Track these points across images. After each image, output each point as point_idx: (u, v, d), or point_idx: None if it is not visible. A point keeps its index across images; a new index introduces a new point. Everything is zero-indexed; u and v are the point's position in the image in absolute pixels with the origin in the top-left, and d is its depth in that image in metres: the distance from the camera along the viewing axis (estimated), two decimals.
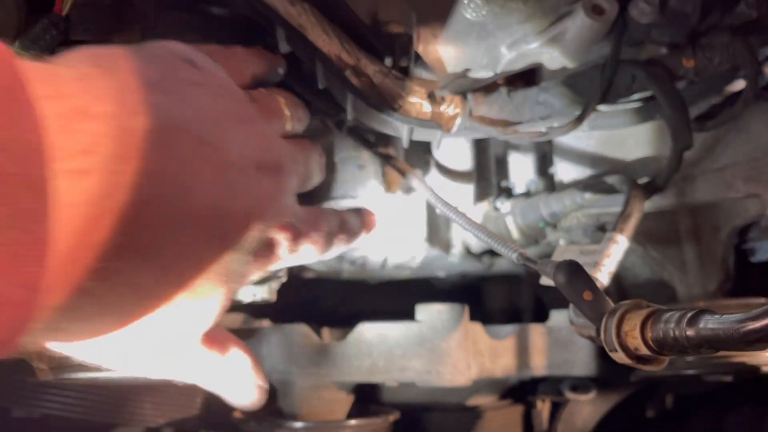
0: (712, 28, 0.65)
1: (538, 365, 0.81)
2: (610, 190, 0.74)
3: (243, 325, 0.83)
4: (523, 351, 0.81)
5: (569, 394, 0.90)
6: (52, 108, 0.24)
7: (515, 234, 0.83)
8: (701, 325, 0.39)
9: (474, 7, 0.69)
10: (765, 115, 0.69)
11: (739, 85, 0.72)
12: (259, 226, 0.39)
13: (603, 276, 0.64)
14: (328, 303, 1.10)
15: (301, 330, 0.75)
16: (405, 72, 0.66)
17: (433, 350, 0.70)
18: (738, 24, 0.65)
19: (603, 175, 0.75)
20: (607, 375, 0.85)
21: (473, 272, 1.00)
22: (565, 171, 0.84)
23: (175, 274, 0.33)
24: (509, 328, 0.83)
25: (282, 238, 0.49)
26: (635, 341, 0.45)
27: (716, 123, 0.66)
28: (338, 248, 0.55)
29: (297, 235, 0.50)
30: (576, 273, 0.52)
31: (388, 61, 0.65)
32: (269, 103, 0.53)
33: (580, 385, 0.92)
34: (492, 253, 0.94)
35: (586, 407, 0.95)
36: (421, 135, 0.69)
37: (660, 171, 0.69)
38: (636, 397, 1.05)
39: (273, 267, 0.49)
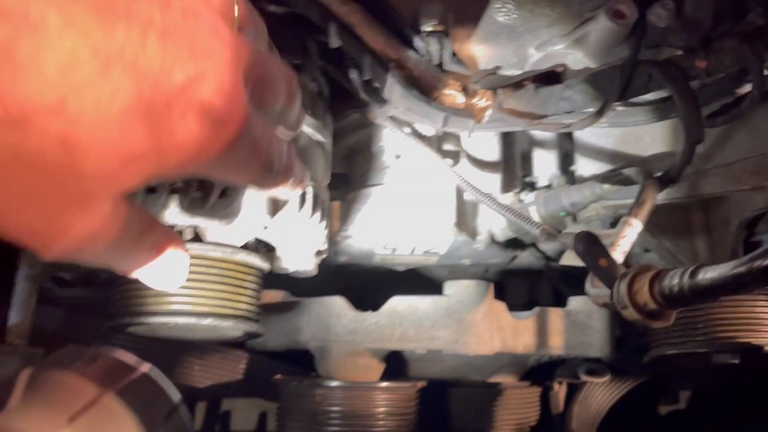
0: (724, 33, 0.71)
1: (556, 345, 0.87)
2: (627, 181, 0.80)
3: (284, 298, 0.90)
4: (542, 331, 0.87)
5: (585, 377, 0.96)
6: None
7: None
8: (700, 276, 0.45)
9: (505, 11, 0.76)
10: None
11: (747, 88, 0.79)
12: None
13: (618, 255, 0.70)
14: (357, 290, 1.17)
15: (339, 302, 0.82)
16: (441, 67, 0.73)
17: (460, 321, 0.76)
18: (747, 31, 0.72)
19: (621, 169, 0.81)
20: (621, 357, 0.91)
21: (496, 263, 1.06)
22: (585, 167, 0.90)
23: None
24: (530, 312, 0.89)
25: None
26: (644, 297, 0.51)
27: (725, 119, 0.72)
28: (270, 182, 0.42)
29: (244, 133, 0.35)
30: (593, 242, 0.59)
31: (427, 57, 0.72)
32: None
33: (595, 369, 0.97)
34: (515, 243, 1.00)
35: (601, 392, 1.01)
36: (454, 126, 0.76)
37: (674, 164, 0.75)
38: (649, 392, 1.11)
39: (197, 163, 0.34)
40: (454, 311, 0.77)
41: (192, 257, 0.62)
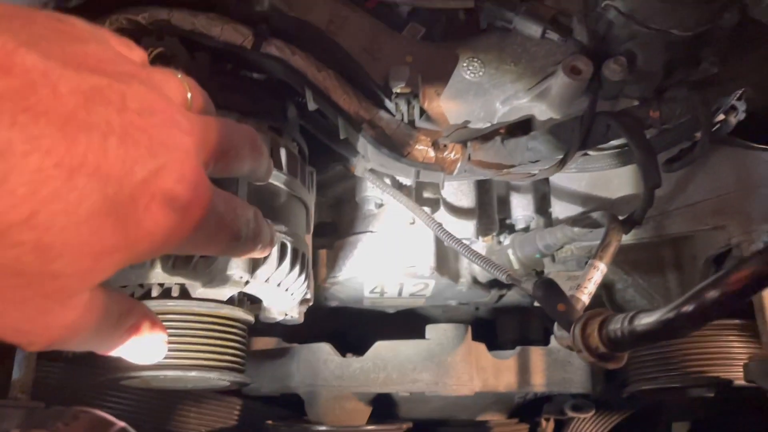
0: (676, 83, 0.76)
1: (539, 383, 0.90)
2: (595, 224, 0.84)
3: (277, 345, 0.94)
4: (524, 370, 0.90)
5: (570, 413, 0.99)
6: None
7: (516, 265, 0.93)
8: (636, 322, 0.49)
9: (472, 69, 0.81)
10: (728, 157, 0.79)
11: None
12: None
13: (584, 297, 0.74)
14: (351, 331, 1.21)
15: (325, 348, 0.86)
16: (412, 124, 0.78)
17: (440, 364, 0.80)
18: (697, 80, 0.76)
19: (589, 212, 0.85)
20: (602, 391, 0.94)
21: (485, 302, 1.10)
22: (560, 209, 0.95)
23: None
24: (512, 351, 0.93)
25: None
26: (595, 341, 0.55)
27: (681, 164, 0.76)
28: (243, 248, 0.44)
29: (208, 211, 0.38)
30: (551, 288, 0.63)
31: (398, 116, 0.77)
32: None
33: (581, 404, 1.00)
34: (498, 284, 1.04)
35: (589, 426, 1.03)
36: (428, 177, 0.81)
37: (636, 208, 0.79)
38: (642, 424, 1.13)
39: (169, 245, 0.36)
40: (434, 354, 0.81)
41: (179, 313, 0.67)
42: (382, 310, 1.11)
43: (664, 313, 0.46)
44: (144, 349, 0.40)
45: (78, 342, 0.34)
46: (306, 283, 0.75)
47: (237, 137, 0.42)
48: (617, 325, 0.52)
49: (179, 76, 0.40)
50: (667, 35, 0.73)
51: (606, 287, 1.03)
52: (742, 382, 0.75)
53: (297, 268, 0.70)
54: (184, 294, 0.66)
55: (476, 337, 1.19)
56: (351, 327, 1.20)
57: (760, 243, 0.74)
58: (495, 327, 1.24)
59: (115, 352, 0.39)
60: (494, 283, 1.03)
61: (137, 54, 0.40)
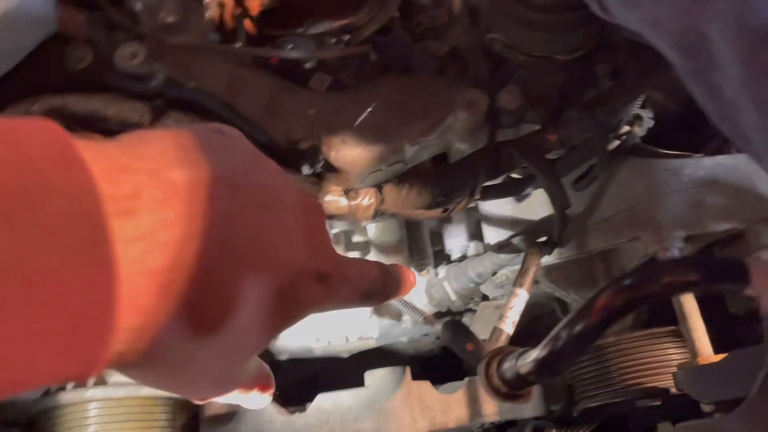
0: (570, 104, 0.77)
1: (490, 413, 0.90)
2: (519, 249, 0.84)
3: (229, 408, 0.93)
4: (473, 401, 0.90)
5: None
6: (97, 167, 0.28)
7: (453, 296, 0.94)
8: (520, 363, 0.49)
9: (375, 112, 0.82)
10: (635, 168, 0.80)
11: (615, 144, 0.84)
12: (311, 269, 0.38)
13: (507, 326, 0.74)
14: (323, 377, 1.20)
15: (269, 408, 0.85)
16: (321, 177, 0.79)
17: (380, 411, 0.80)
18: (594, 97, 0.78)
19: (511, 238, 0.85)
20: (563, 409, 0.93)
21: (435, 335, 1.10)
22: (492, 234, 0.95)
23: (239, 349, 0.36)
24: (461, 383, 0.92)
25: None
26: (497, 381, 0.55)
27: (586, 183, 0.77)
28: (374, 301, 0.48)
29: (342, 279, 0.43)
30: (458, 330, 0.63)
31: (305, 170, 0.78)
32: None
33: (541, 425, 0.99)
34: (444, 314, 1.04)
35: None
36: (342, 225, 0.82)
37: (552, 230, 0.80)
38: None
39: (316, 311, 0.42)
40: (373, 401, 0.80)
41: (97, 400, 0.66)
42: (338, 355, 1.11)
43: (539, 352, 0.47)
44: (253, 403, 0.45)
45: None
46: None
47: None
48: (509, 363, 0.52)
49: None
50: (551, 60, 0.75)
51: (560, 302, 1.04)
52: (676, 391, 0.75)
53: None
54: (101, 381, 0.65)
55: (447, 366, 1.19)
56: (321, 370, 1.19)
57: (674, 250, 0.75)
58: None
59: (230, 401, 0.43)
60: (440, 315, 1.03)
61: None
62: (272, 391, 0.46)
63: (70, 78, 0.77)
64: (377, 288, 0.45)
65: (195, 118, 0.77)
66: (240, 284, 0.32)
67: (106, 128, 0.75)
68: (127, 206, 0.28)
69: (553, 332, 0.45)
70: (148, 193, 0.29)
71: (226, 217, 0.32)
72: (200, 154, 0.33)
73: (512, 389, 0.53)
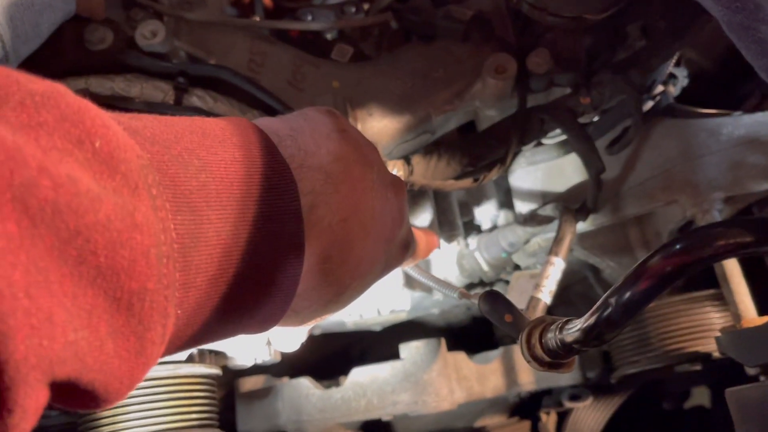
0: (601, 66, 0.75)
1: (526, 381, 0.89)
2: (551, 218, 0.83)
3: (265, 383, 0.94)
4: (509, 370, 0.89)
5: (567, 404, 0.97)
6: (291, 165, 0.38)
7: (485, 267, 0.92)
8: (565, 332, 0.48)
9: (400, 81, 0.80)
10: (670, 130, 0.77)
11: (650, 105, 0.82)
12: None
13: (544, 295, 0.73)
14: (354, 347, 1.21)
15: (305, 383, 0.85)
16: None
17: (416, 383, 0.79)
18: (622, 60, 0.75)
19: (544, 205, 0.84)
20: (598, 377, 0.93)
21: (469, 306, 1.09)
22: (522, 204, 0.93)
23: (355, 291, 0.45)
24: (496, 353, 0.92)
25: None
26: (539, 351, 0.54)
27: (620, 147, 0.75)
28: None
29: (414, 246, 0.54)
30: (496, 301, 0.62)
31: None
32: None
33: (578, 393, 0.99)
34: (476, 285, 1.03)
35: (590, 414, 1.02)
36: None
37: (587, 196, 0.78)
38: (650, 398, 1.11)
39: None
40: (410, 373, 0.80)
41: None
42: (370, 329, 1.11)
43: (585, 321, 0.45)
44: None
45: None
46: None
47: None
48: (552, 333, 0.51)
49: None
50: (581, 21, 0.72)
51: (593, 269, 1.02)
52: (718, 355, 0.74)
53: None
54: None
55: (476, 336, 1.18)
56: (352, 344, 1.20)
57: (714, 212, 0.73)
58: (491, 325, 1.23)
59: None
60: (471, 286, 1.02)
61: None
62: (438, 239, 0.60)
63: (90, 59, 0.76)
64: (412, 245, 0.54)
65: (218, 95, 0.75)
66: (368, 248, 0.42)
67: (129, 108, 0.74)
68: (309, 201, 0.38)
69: (601, 300, 0.44)
70: (320, 186, 0.39)
71: (367, 193, 0.42)
72: (351, 137, 0.43)
73: (556, 359, 0.53)
